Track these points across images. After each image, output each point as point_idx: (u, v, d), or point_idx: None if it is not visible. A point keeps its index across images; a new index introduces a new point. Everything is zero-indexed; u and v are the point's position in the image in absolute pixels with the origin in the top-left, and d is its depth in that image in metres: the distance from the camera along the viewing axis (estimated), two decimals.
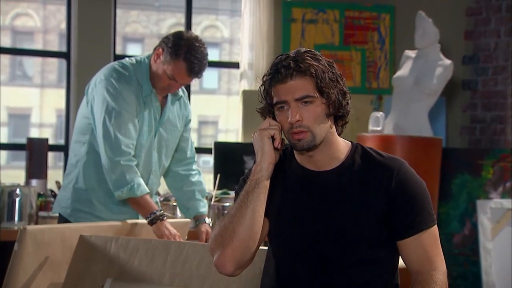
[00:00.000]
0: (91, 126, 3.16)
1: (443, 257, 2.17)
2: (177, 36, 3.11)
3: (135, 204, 3.09)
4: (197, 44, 3.10)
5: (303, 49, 2.15)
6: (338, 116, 2.17)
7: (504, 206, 5.15)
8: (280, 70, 2.11)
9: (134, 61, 3.19)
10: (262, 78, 2.16)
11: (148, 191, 3.10)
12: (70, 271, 2.61)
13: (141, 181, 3.08)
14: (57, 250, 2.69)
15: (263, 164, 2.15)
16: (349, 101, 2.17)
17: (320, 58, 2.14)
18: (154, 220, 3.03)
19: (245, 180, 2.22)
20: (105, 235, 2.66)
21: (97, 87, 3.13)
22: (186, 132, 3.39)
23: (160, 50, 3.12)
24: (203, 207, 3.41)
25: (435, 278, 2.11)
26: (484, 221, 5.14)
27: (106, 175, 3.09)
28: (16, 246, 2.61)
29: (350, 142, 2.24)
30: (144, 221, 3.08)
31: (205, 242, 3.26)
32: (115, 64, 3.18)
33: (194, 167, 3.45)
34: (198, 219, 3.38)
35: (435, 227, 2.17)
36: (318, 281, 2.15)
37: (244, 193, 2.15)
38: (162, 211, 3.07)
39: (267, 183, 2.15)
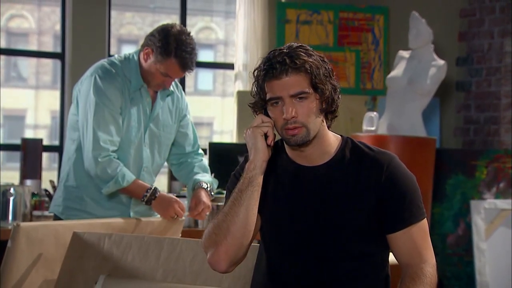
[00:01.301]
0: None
1: (432, 250, 2.18)
2: (164, 33, 3.10)
3: (125, 192, 3.12)
4: (184, 38, 3.09)
5: (295, 44, 2.14)
6: (329, 111, 2.18)
7: (498, 207, 5.17)
8: (274, 66, 2.10)
9: (122, 58, 3.20)
10: (254, 72, 2.15)
11: (134, 177, 3.10)
12: (64, 268, 2.60)
13: (125, 170, 3.08)
14: (51, 247, 2.68)
15: (256, 162, 2.14)
16: (339, 95, 2.19)
17: (313, 54, 2.14)
18: (148, 201, 3.09)
19: (236, 176, 2.22)
20: (98, 232, 2.66)
21: (83, 84, 3.16)
22: (182, 128, 3.36)
23: (149, 50, 3.12)
24: (203, 177, 3.32)
25: (425, 271, 2.12)
26: (478, 222, 5.15)
27: (89, 170, 3.10)
28: (10, 243, 2.61)
29: (340, 136, 2.24)
30: (138, 218, 3.10)
31: (193, 208, 3.21)
32: (103, 61, 3.19)
33: (198, 157, 3.41)
34: (196, 186, 3.29)
35: (425, 221, 2.18)
36: (309, 276, 2.16)
37: (237, 191, 2.14)
38: (152, 188, 3.09)
39: (260, 181, 2.15)
